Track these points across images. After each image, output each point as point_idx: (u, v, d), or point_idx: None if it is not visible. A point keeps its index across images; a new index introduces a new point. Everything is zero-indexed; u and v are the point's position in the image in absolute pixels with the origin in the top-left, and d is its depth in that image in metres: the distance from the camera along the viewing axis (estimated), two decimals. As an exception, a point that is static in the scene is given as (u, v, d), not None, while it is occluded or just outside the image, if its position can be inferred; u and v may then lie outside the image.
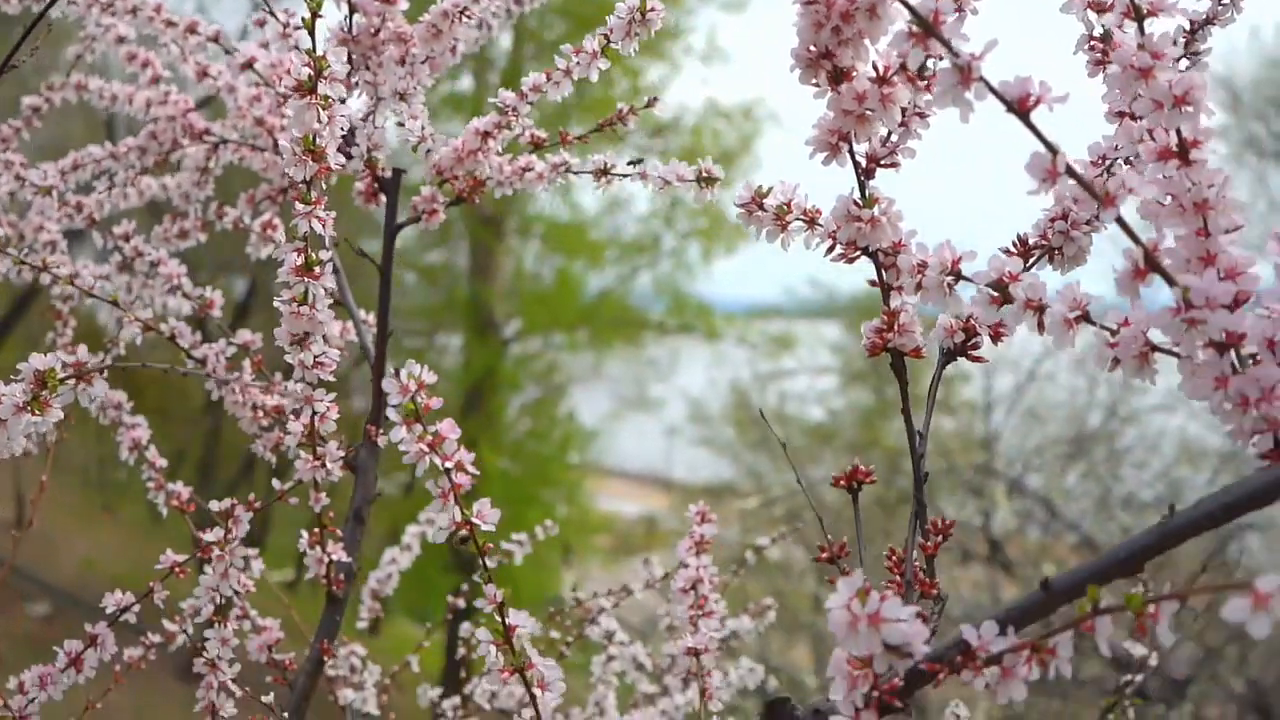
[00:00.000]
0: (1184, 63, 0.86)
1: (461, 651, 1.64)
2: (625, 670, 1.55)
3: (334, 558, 1.14)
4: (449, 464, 0.76)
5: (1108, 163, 0.84)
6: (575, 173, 1.15)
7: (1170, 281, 0.62)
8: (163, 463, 1.25)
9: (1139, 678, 1.26)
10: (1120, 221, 0.62)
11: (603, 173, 1.13)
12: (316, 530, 1.13)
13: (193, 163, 1.42)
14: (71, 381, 0.80)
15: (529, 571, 8.65)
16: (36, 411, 0.80)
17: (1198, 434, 7.05)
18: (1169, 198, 0.67)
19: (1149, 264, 0.63)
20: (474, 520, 0.77)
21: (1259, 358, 0.63)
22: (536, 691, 0.79)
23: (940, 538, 0.76)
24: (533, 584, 9.03)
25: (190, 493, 1.21)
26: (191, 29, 1.26)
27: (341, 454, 1.08)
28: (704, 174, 1.04)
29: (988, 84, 0.61)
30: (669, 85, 11.11)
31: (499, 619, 0.79)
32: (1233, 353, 0.64)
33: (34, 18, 0.89)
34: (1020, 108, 0.61)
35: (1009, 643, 0.61)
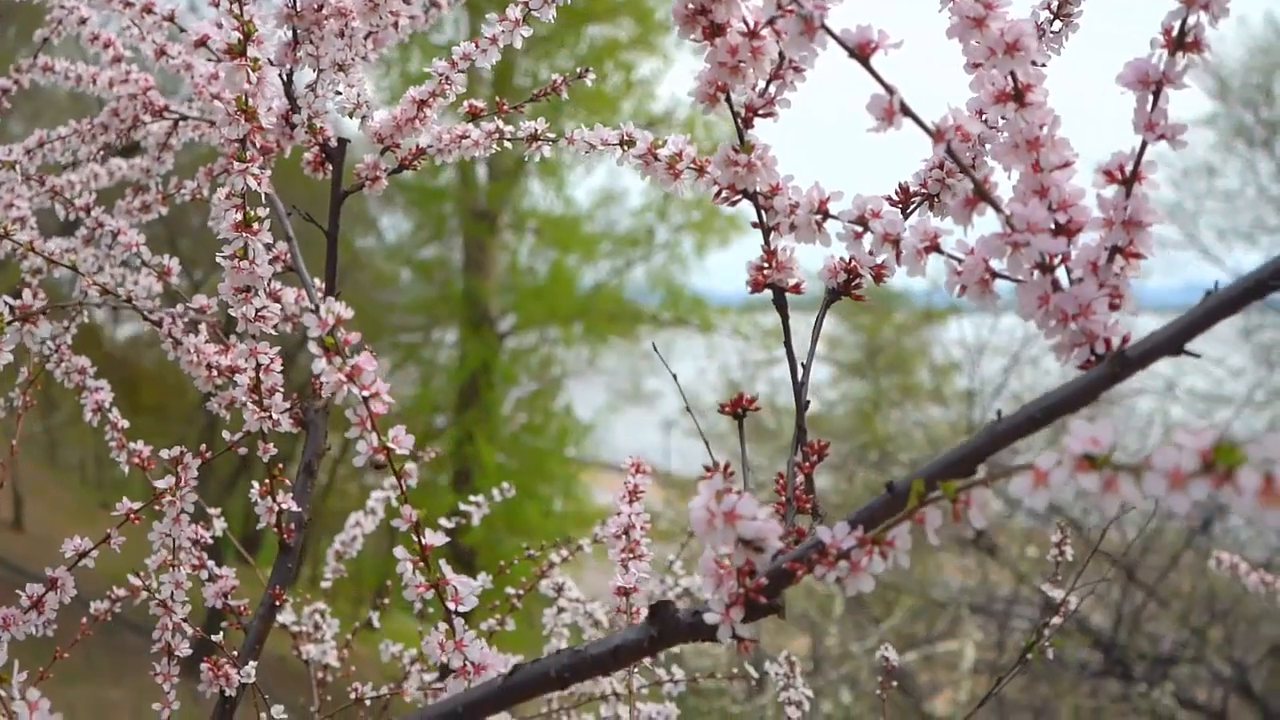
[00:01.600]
0: (1057, 24, 0.92)
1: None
2: (578, 624, 1.62)
3: (284, 507, 1.21)
4: (367, 393, 0.82)
5: (984, 116, 0.90)
6: (509, 139, 1.21)
7: (997, 209, 0.68)
8: (125, 424, 1.31)
9: (1057, 620, 1.32)
10: (951, 155, 0.68)
11: (533, 138, 1.20)
12: (267, 480, 1.20)
13: (154, 140, 1.48)
14: (17, 324, 0.86)
15: (526, 564, 8.71)
16: (-15, 354, 0.87)
17: (1184, 418, 7.11)
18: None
19: (979, 194, 0.69)
20: (390, 445, 0.83)
21: (1083, 279, 0.69)
22: (451, 605, 0.85)
23: (816, 458, 0.82)
24: (528, 575, 9.08)
25: (151, 450, 1.27)
26: (148, 9, 1.32)
27: (287, 406, 1.14)
28: (625, 138, 1.10)
29: (830, 32, 0.67)
30: (662, 78, 11.16)
31: (415, 539, 0.85)
32: (1063, 275, 0.70)
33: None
34: (861, 53, 0.68)
35: (856, 538, 0.67)
